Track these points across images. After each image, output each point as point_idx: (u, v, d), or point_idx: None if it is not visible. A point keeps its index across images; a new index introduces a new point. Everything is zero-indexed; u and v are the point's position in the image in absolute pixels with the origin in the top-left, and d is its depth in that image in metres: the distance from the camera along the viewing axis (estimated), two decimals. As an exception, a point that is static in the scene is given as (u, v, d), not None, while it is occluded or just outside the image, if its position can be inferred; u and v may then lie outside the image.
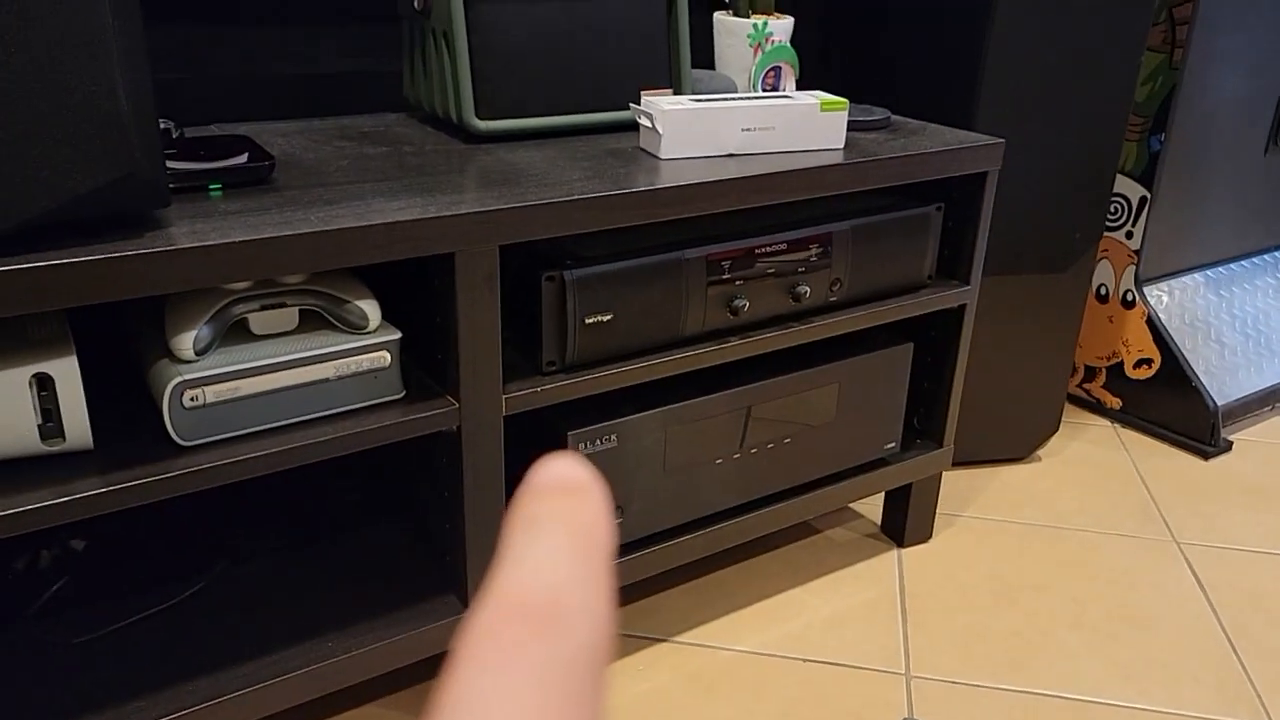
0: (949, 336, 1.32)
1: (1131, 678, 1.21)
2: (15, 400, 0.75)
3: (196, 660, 0.94)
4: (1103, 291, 1.80)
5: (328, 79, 1.23)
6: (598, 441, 1.04)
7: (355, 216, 0.84)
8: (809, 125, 1.11)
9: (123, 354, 0.96)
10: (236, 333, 0.87)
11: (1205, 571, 1.42)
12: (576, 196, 0.92)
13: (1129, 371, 1.81)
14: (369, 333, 0.90)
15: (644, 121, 1.07)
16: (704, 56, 1.37)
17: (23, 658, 0.94)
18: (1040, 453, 1.71)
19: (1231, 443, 1.76)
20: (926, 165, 1.16)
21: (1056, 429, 1.66)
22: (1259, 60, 1.73)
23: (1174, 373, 1.75)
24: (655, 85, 1.17)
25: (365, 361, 0.89)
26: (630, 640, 1.23)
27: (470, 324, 0.90)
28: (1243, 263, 1.97)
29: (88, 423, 0.79)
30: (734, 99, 1.09)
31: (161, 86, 1.14)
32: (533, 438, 1.07)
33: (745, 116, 1.07)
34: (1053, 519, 1.52)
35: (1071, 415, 1.85)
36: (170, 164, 0.86)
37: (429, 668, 1.13)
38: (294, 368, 0.86)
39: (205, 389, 0.82)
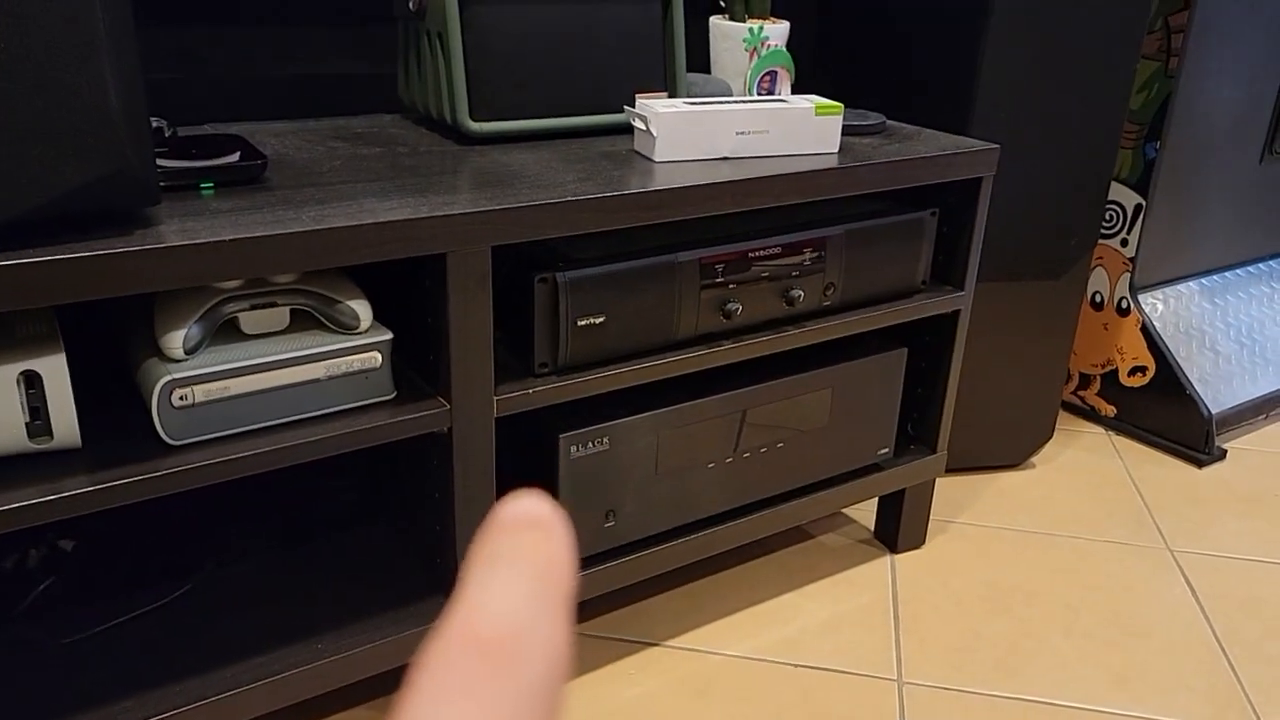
0: (943, 342, 1.32)
1: (1124, 685, 1.20)
2: (2, 398, 0.75)
3: (185, 661, 0.94)
4: (1097, 299, 1.81)
5: (323, 80, 1.23)
6: (590, 444, 1.04)
7: (347, 216, 0.83)
8: (804, 129, 1.11)
9: (112, 352, 0.96)
10: (227, 332, 0.86)
11: (1198, 579, 1.41)
12: (570, 198, 0.92)
13: (1123, 379, 1.81)
14: (360, 333, 0.90)
15: (638, 124, 1.07)
16: (700, 61, 1.37)
17: (10, 658, 0.94)
18: (1034, 460, 1.71)
19: (1226, 451, 1.76)
20: (921, 170, 1.16)
21: (1051, 436, 1.66)
22: (1254, 69, 1.74)
23: (1168, 381, 1.75)
24: (650, 88, 1.17)
25: (356, 362, 0.89)
26: (621, 644, 1.23)
27: (462, 325, 0.90)
28: (1238, 271, 1.97)
29: (75, 421, 0.79)
30: (729, 102, 1.08)
31: (157, 86, 1.14)
32: (524, 440, 1.06)
33: (740, 120, 1.07)
34: (1046, 526, 1.52)
35: (1066, 422, 1.85)
36: (161, 162, 0.86)
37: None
38: (284, 367, 0.85)
39: (194, 388, 0.82)
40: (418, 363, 0.97)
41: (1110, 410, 1.84)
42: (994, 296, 1.50)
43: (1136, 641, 1.28)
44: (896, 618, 1.30)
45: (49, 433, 0.78)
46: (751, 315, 1.10)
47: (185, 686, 0.91)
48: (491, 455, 0.96)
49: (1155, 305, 1.80)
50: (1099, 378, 1.84)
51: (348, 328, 0.89)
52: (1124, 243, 1.74)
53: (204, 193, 0.87)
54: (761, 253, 1.08)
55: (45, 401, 0.77)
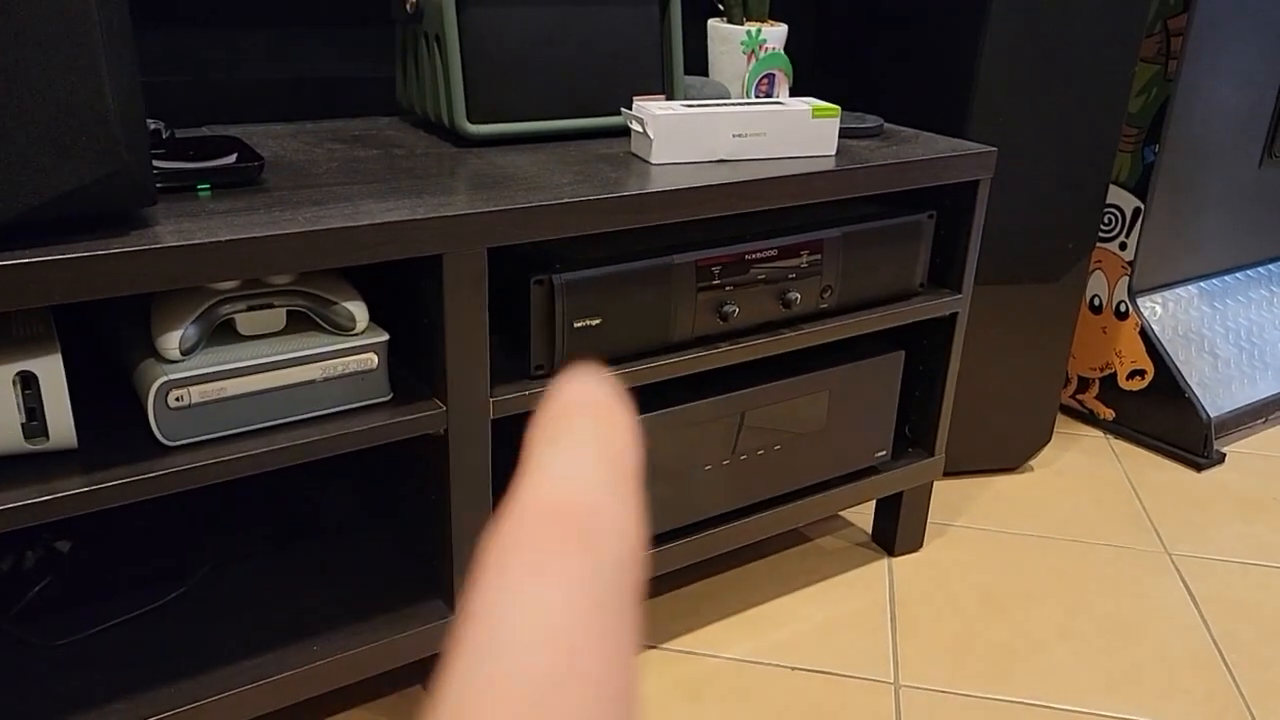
0: (940, 345, 1.32)
1: (1121, 688, 1.20)
2: (-2, 398, 0.75)
3: (180, 663, 0.94)
4: (1096, 302, 1.81)
5: (321, 82, 1.23)
6: (586, 446, 1.04)
7: (343, 217, 0.83)
8: (800, 131, 1.11)
9: (108, 353, 0.96)
10: (223, 333, 0.86)
11: (1196, 583, 1.41)
12: (566, 200, 0.92)
13: (1122, 383, 1.81)
14: (356, 334, 0.90)
15: (635, 126, 1.07)
16: (698, 64, 1.37)
17: (5, 658, 0.94)
18: (1033, 463, 1.71)
19: (1224, 455, 1.76)
20: (918, 173, 1.16)
21: (1049, 439, 1.66)
22: (1253, 72, 1.74)
23: (1167, 384, 1.75)
24: (648, 91, 1.17)
25: (352, 363, 0.89)
26: (618, 647, 1.22)
27: (458, 327, 0.90)
28: (1237, 275, 1.97)
29: (72, 422, 0.79)
30: (725, 104, 1.09)
31: (155, 89, 1.14)
32: (520, 442, 1.06)
33: (736, 122, 1.07)
34: (1044, 529, 1.52)
35: (1064, 426, 1.85)
36: (158, 163, 0.86)
37: (415, 672, 1.12)
38: (280, 369, 0.85)
39: (190, 389, 0.82)
40: (414, 364, 0.97)
41: (1109, 414, 1.83)
42: (992, 299, 1.50)
43: (1134, 645, 1.28)
44: (894, 621, 1.30)
45: (45, 433, 0.78)
46: (748, 318, 1.10)
47: (180, 688, 0.91)
48: (488, 457, 0.96)
49: (1154, 308, 1.79)
50: (1097, 381, 1.84)
51: (344, 329, 0.89)
52: (1123, 246, 1.74)
53: (201, 194, 0.88)
54: (758, 255, 1.08)
55: (41, 402, 0.77)
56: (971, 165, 1.21)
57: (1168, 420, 1.76)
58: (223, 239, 0.77)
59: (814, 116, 1.11)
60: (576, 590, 0.15)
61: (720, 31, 1.30)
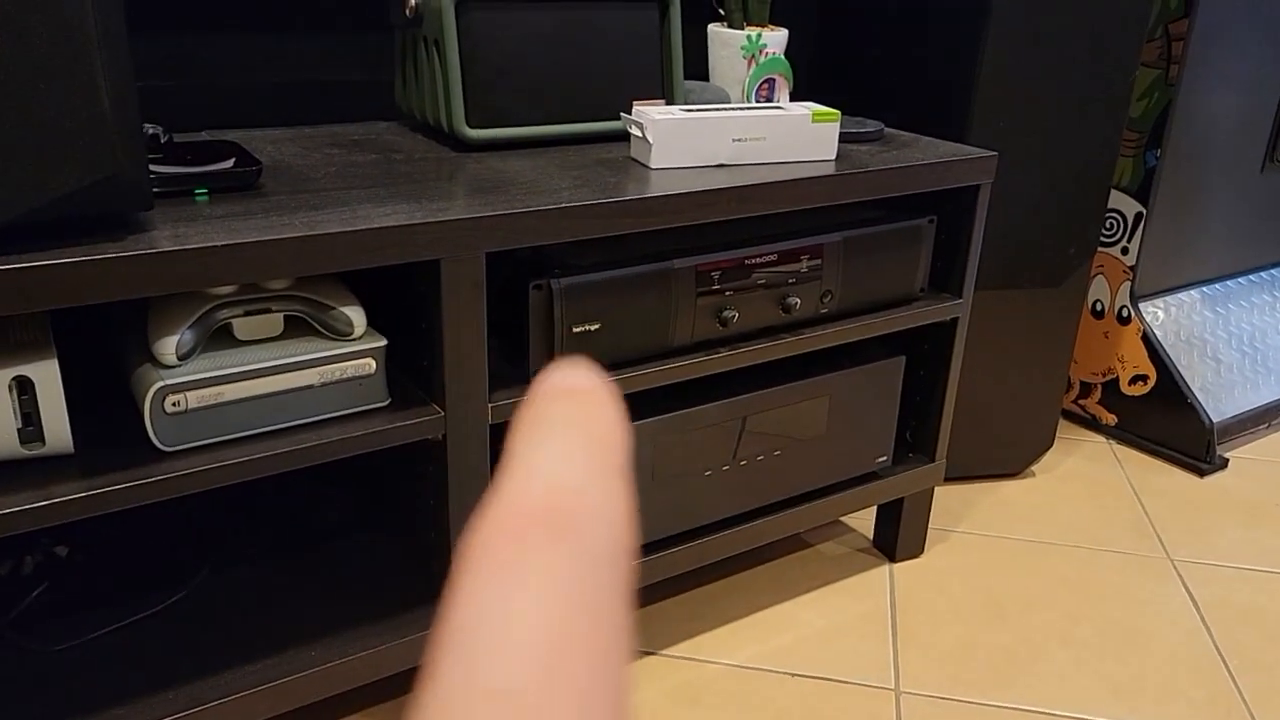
0: (941, 350, 1.31)
1: (1123, 695, 1.19)
2: (-5, 403, 0.75)
3: (178, 668, 0.94)
4: (1098, 307, 1.80)
5: (320, 87, 1.23)
6: (585, 451, 1.04)
7: (341, 222, 0.83)
8: (800, 136, 1.10)
9: (105, 358, 0.95)
10: (220, 338, 0.86)
11: (1199, 588, 1.41)
12: (564, 205, 0.92)
13: (1124, 388, 1.80)
14: (354, 339, 0.90)
15: (634, 131, 1.07)
16: (698, 68, 1.37)
17: (3, 664, 0.94)
18: (1035, 469, 1.70)
19: (1227, 460, 1.75)
20: (918, 178, 1.16)
21: (1051, 445, 1.66)
22: (1255, 77, 1.73)
23: (1170, 389, 1.75)
24: (648, 96, 1.17)
25: (350, 368, 0.89)
26: (618, 653, 1.22)
27: (456, 332, 0.90)
28: (1239, 279, 1.96)
29: (68, 427, 0.78)
30: (725, 109, 1.08)
31: (154, 93, 1.14)
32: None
33: (736, 127, 1.07)
34: (1046, 535, 1.51)
35: (1066, 431, 1.84)
36: (156, 168, 0.86)
37: (414, 678, 1.12)
38: (278, 374, 0.85)
39: (187, 394, 0.82)
40: (412, 369, 0.97)
41: (1111, 419, 1.83)
42: (994, 304, 1.50)
43: (1136, 651, 1.27)
44: (895, 627, 1.29)
45: (41, 439, 0.78)
46: (748, 323, 1.10)
47: (178, 694, 0.90)
48: (486, 462, 0.96)
49: (1156, 313, 1.79)
50: (1100, 386, 1.83)
51: (342, 334, 0.89)
52: (1124, 251, 1.73)
53: (198, 198, 0.87)
54: (758, 260, 1.08)
55: (37, 407, 0.77)
56: (972, 170, 1.21)
57: (1170, 425, 1.75)
58: (220, 244, 0.77)
59: (814, 121, 1.11)
60: (560, 588, 0.15)
61: (720, 36, 1.30)
